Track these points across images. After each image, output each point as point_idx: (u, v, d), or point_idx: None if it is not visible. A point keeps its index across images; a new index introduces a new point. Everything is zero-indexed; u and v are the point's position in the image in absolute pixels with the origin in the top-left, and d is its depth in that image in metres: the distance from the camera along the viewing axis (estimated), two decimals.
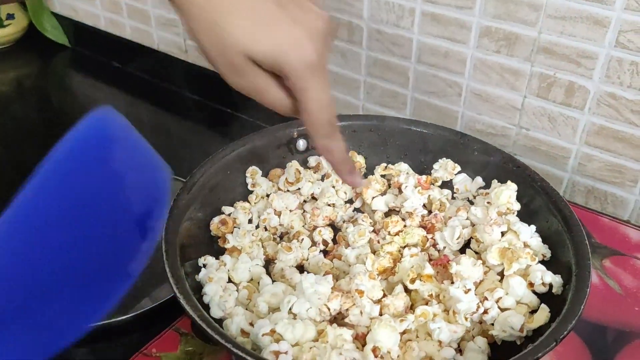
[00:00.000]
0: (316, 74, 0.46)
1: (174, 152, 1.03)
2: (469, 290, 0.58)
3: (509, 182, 0.68)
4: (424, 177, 0.72)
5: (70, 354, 0.66)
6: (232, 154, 0.71)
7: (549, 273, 0.60)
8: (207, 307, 0.59)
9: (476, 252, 0.66)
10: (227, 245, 0.66)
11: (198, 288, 0.61)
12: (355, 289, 0.58)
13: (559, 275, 0.61)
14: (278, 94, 0.48)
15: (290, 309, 0.57)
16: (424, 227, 0.69)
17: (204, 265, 0.63)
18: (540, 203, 0.67)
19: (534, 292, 0.61)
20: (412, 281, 0.60)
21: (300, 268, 0.67)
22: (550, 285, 0.60)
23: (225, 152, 0.71)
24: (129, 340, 0.67)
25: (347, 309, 0.58)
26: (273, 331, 0.54)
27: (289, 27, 0.45)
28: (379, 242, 0.68)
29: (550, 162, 0.88)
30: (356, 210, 0.74)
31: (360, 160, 0.77)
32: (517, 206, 0.67)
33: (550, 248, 0.65)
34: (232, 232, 0.67)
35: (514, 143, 0.90)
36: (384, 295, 0.61)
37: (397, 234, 0.67)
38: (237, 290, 0.62)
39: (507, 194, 0.67)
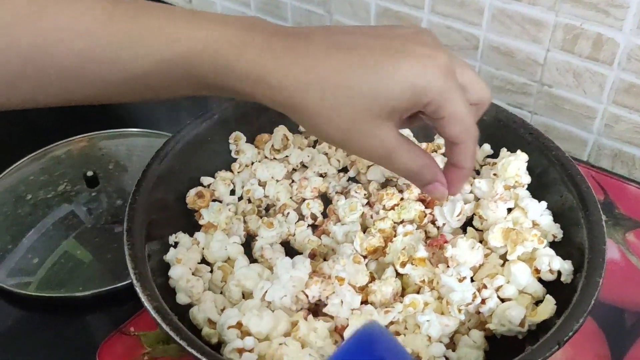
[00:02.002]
0: (451, 77, 0.41)
1: (161, 107, 0.95)
2: (464, 278, 0.50)
3: (518, 151, 0.59)
4: (424, 144, 0.63)
5: (44, 326, 0.61)
6: (214, 117, 0.63)
7: (558, 259, 0.52)
8: (174, 292, 0.52)
9: (479, 230, 0.58)
10: (202, 222, 0.59)
11: (168, 269, 0.54)
12: (335, 275, 0.50)
13: (569, 261, 0.52)
14: (410, 152, 0.44)
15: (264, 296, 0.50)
16: (423, 201, 0.60)
17: (176, 244, 0.57)
18: (555, 175, 0.58)
19: (540, 280, 0.53)
20: (403, 265, 0.53)
21: (287, 244, 0.60)
22: (559, 273, 0.52)
23: (205, 116, 0.63)
24: (105, 315, 0.62)
25: (327, 297, 0.51)
26: (240, 324, 0.47)
27: (416, 51, 0.40)
28: (372, 217, 0.60)
29: (574, 123, 0.79)
30: (351, 180, 0.66)
31: None
32: (526, 179, 0.58)
33: (563, 227, 0.56)
34: (209, 206, 0.60)
35: (535, 101, 0.81)
36: (372, 279, 0.53)
37: (392, 208, 0.59)
38: (211, 272, 0.55)
39: (515, 165, 0.57)
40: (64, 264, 0.67)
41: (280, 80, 0.40)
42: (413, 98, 0.40)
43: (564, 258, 0.53)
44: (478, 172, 0.64)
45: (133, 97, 0.45)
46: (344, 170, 0.67)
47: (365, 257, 0.56)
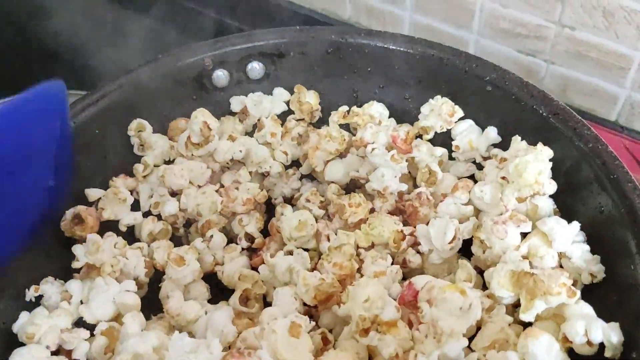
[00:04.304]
0: None
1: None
2: None
3: (539, 146, 0.38)
4: (402, 131, 0.42)
5: None
6: (104, 100, 0.42)
7: (599, 323, 0.33)
8: None
9: (474, 255, 0.38)
10: (77, 264, 0.39)
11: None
12: None
13: (617, 325, 0.32)
14: None
15: None
16: (402, 212, 0.40)
17: (37, 299, 0.37)
18: (589, 174, 0.40)
19: (571, 353, 0.33)
20: (364, 332, 0.33)
21: (214, 278, 0.41)
22: (602, 345, 0.32)
23: (92, 98, 0.42)
24: None
25: None
26: None
27: None
28: (328, 238, 0.40)
29: (602, 75, 0.65)
30: (304, 178, 0.46)
31: (310, 100, 0.47)
32: (551, 187, 0.38)
33: (604, 261, 0.36)
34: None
35: (552, 48, 0.66)
36: (325, 344, 0.35)
37: (357, 225, 0.40)
38: (89, 339, 0.36)
39: (535, 168, 0.38)
40: None
41: None
42: None
43: (606, 313, 0.33)
44: (480, 167, 0.43)
45: None
46: (296, 164, 0.46)
47: (314, 308, 0.37)
